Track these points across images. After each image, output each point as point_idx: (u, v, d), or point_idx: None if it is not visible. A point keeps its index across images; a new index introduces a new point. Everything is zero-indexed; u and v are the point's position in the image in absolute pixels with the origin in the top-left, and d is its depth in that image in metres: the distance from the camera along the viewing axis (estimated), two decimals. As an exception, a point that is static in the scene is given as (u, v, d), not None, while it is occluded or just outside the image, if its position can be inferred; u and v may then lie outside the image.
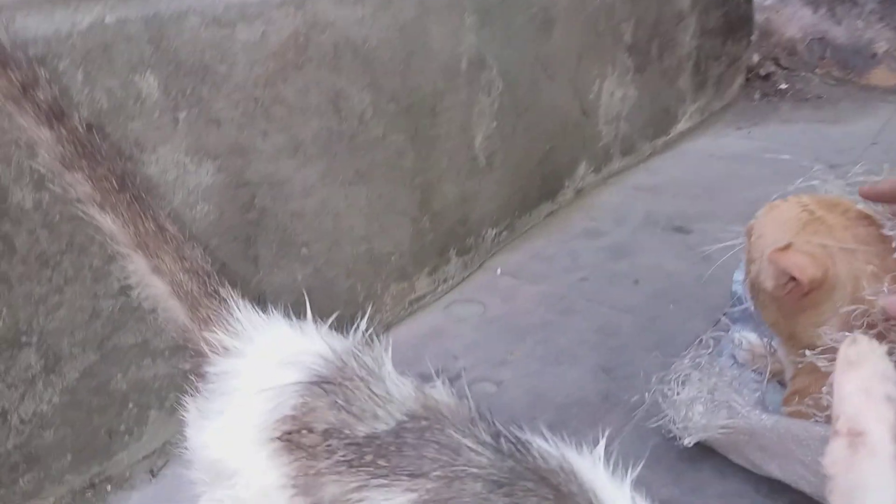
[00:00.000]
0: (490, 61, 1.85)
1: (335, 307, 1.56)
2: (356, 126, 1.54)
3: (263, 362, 0.83)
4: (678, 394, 1.33)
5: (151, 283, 0.93)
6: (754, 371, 1.44)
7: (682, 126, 2.82)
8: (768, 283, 1.21)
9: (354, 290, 1.61)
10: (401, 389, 0.78)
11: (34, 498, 1.19)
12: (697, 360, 1.41)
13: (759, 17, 3.59)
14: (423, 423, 0.73)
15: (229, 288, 0.95)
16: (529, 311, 1.80)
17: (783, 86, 3.35)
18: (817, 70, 3.56)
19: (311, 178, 1.46)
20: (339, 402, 0.75)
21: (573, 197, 2.35)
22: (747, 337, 1.54)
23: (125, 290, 1.24)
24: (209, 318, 0.89)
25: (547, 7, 1.99)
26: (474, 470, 0.67)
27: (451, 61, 1.74)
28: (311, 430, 0.74)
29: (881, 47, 3.42)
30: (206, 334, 0.88)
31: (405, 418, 0.74)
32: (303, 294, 1.50)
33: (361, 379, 0.77)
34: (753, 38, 3.49)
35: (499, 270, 1.99)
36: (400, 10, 1.59)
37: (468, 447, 0.69)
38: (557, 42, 2.07)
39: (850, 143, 2.81)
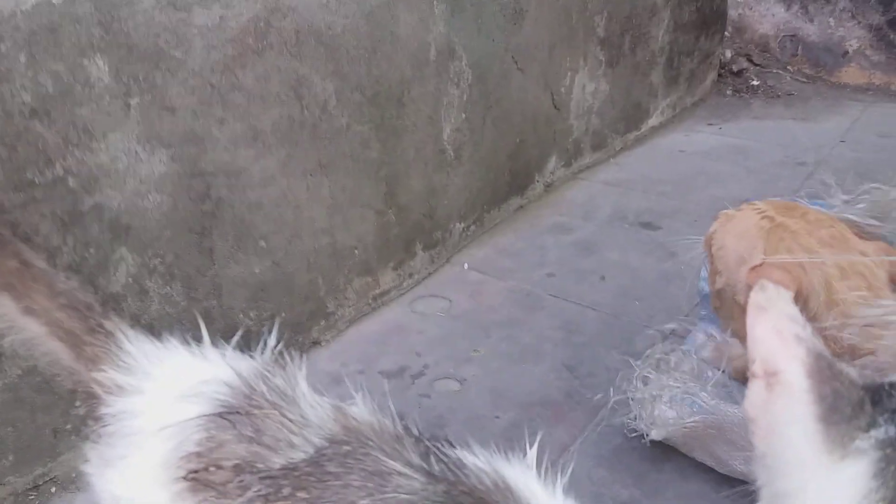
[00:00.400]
0: (460, 51, 1.81)
1: (295, 303, 1.53)
2: (319, 115, 1.49)
3: (163, 397, 0.75)
4: (644, 387, 1.31)
5: (24, 325, 0.80)
6: (719, 369, 1.43)
7: (653, 121, 2.81)
8: (742, 298, 1.20)
9: (315, 285, 1.56)
10: (318, 412, 0.70)
11: (-29, 499, 1.14)
12: (662, 356, 1.40)
13: (732, 13, 3.59)
14: (345, 447, 0.66)
15: (115, 319, 0.83)
16: (495, 307, 1.77)
17: (755, 82, 3.36)
18: (789, 67, 3.57)
19: (270, 168, 1.42)
20: (249, 432, 0.68)
21: (543, 191, 2.33)
22: (713, 334, 1.53)
23: None
24: (96, 356, 0.79)
25: (518, -3, 1.96)
26: (405, 496, 0.61)
27: (420, 50, 1.70)
28: (219, 467, 0.68)
29: (852, 45, 3.44)
30: (96, 374, 0.78)
31: (325, 444, 0.67)
32: (261, 289, 1.47)
33: (272, 404, 0.70)
34: (727, 33, 3.49)
35: (466, 265, 1.96)
36: (366, -3, 1.54)
37: (397, 472, 0.63)
38: (529, 33, 2.03)
39: (819, 140, 2.83)
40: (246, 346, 1.46)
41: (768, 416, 0.58)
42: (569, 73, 2.27)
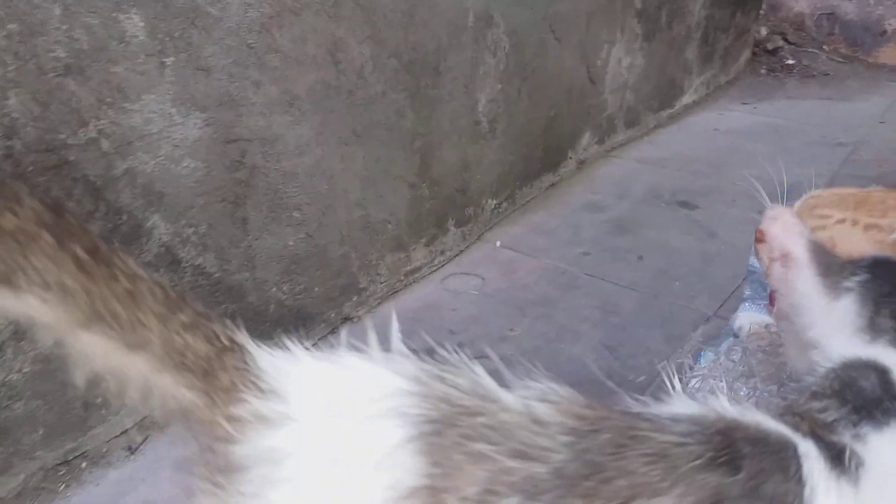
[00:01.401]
0: (497, 18, 1.74)
1: (327, 277, 1.49)
2: (355, 81, 1.43)
3: (331, 423, 0.59)
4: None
5: (123, 364, 0.59)
6: (759, 349, 1.39)
7: (687, 99, 2.74)
8: None
9: (348, 259, 1.52)
10: (533, 407, 0.59)
11: (2, 475, 1.11)
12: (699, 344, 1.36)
13: (767, -10, 3.50)
14: (602, 435, 0.57)
15: (240, 330, 0.64)
16: (529, 285, 1.72)
17: (790, 61, 3.27)
18: (825, 46, 3.48)
19: (305, 136, 1.36)
20: (482, 446, 0.55)
21: (575, 169, 2.27)
22: (754, 319, 1.48)
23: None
24: (232, 383, 0.60)
25: (558, -36, 1.89)
26: (693, 462, 0.56)
27: (458, 16, 1.63)
28: (464, 498, 0.55)
29: (892, 25, 3.35)
30: (233, 407, 0.60)
31: (572, 438, 0.57)
32: (294, 262, 1.42)
33: (479, 408, 0.58)
34: (762, 10, 3.40)
35: (498, 243, 1.90)
36: (405, -41, 1.48)
37: (672, 441, 0.57)
38: (567, 2, 1.96)
39: (857, 121, 2.75)
40: (280, 322, 1.42)
41: (787, 283, 0.85)
42: (605, 46, 2.20)
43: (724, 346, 1.41)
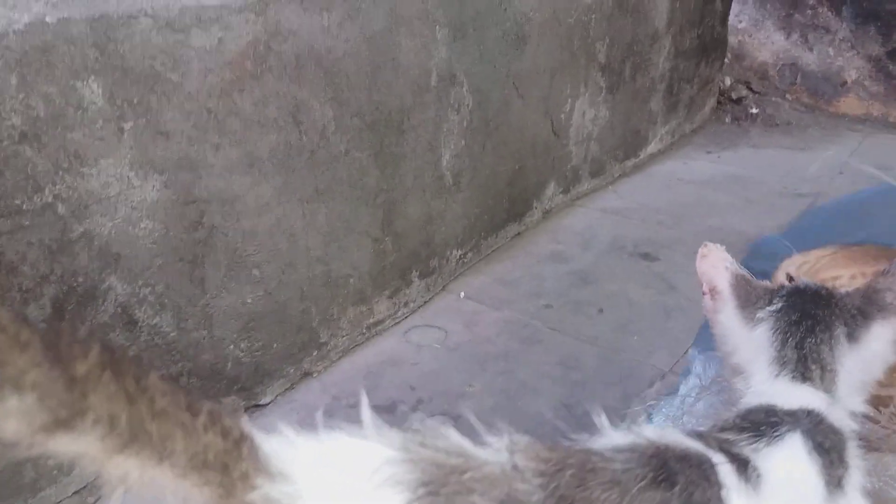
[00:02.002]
0: (461, 77, 1.78)
1: (287, 333, 1.49)
2: (317, 141, 1.46)
3: (337, 498, 0.63)
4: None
5: (150, 476, 0.59)
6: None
7: (652, 148, 2.80)
8: None
9: (309, 314, 1.52)
10: (507, 457, 0.67)
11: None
12: (653, 401, 1.38)
13: (732, 40, 3.60)
14: (566, 473, 0.66)
15: (242, 415, 0.68)
16: (491, 338, 1.74)
17: (754, 110, 3.36)
18: (788, 95, 3.57)
19: (265, 195, 1.38)
20: (475, 497, 0.63)
21: (540, 218, 2.30)
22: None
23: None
24: (247, 472, 0.63)
25: (521, 23, 1.93)
26: (640, 483, 0.66)
27: (421, 76, 1.67)
28: None
29: (851, 76, 3.45)
30: (251, 495, 0.62)
31: (543, 479, 0.65)
32: (252, 320, 1.42)
33: (465, 466, 0.65)
34: (727, 60, 3.49)
35: (462, 294, 1.92)
36: (369, 20, 1.51)
37: (620, 469, 0.67)
38: (531, 59, 2.01)
39: (817, 171, 2.82)
40: (237, 380, 1.43)
41: (715, 313, 0.93)
42: (569, 100, 2.24)
43: (680, 394, 1.45)
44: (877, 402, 1.17)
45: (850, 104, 3.45)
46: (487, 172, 1.99)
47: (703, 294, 0.97)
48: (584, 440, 0.76)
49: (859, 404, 0.85)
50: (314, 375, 1.57)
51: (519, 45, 1.96)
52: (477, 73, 1.83)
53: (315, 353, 1.57)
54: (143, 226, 1.23)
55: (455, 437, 0.68)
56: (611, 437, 0.75)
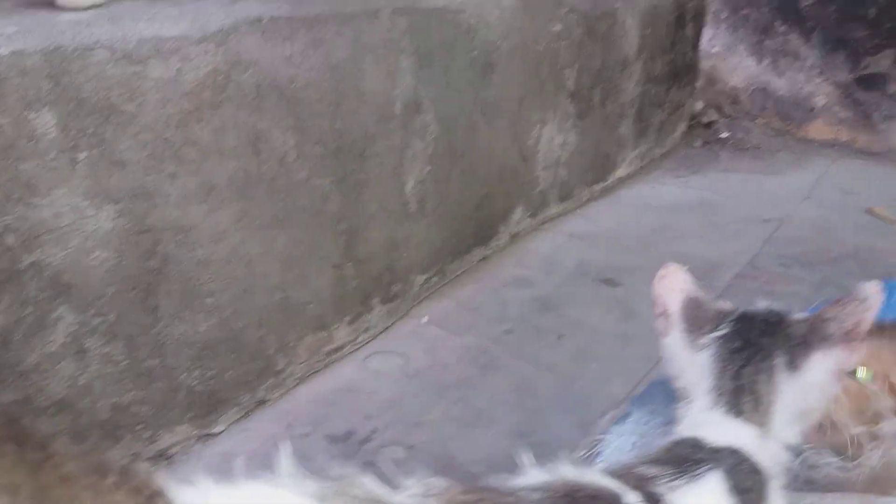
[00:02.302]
0: (426, 105, 1.80)
1: (242, 361, 1.49)
2: (277, 169, 1.46)
3: None
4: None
5: None
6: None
7: (621, 172, 2.83)
8: None
9: (265, 342, 1.53)
10: (422, 501, 0.69)
11: None
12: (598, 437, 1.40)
13: (705, 64, 3.65)
14: None
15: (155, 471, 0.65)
16: (451, 365, 1.75)
17: (724, 134, 3.40)
18: (759, 120, 3.62)
19: (222, 224, 1.39)
20: None
21: (507, 242, 2.32)
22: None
23: None
24: None
25: (488, 51, 1.95)
26: None
27: (385, 104, 1.68)
28: None
29: (820, 101, 3.51)
30: None
31: None
32: (206, 348, 1.42)
33: None
34: (699, 84, 3.54)
35: (425, 319, 1.93)
36: (333, 49, 1.52)
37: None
38: (498, 87, 2.03)
39: (784, 195, 2.86)
40: (190, 408, 1.42)
41: (663, 336, 0.93)
42: (537, 126, 2.27)
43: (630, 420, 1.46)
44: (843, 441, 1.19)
45: (818, 129, 3.51)
46: (453, 198, 2.00)
47: (657, 316, 0.97)
48: (503, 480, 0.77)
49: (795, 436, 0.86)
50: (269, 403, 1.57)
51: (486, 73, 1.98)
52: (443, 101, 1.85)
53: (271, 381, 1.57)
54: (95, 255, 1.23)
55: (370, 485, 0.69)
56: (528, 477, 0.77)
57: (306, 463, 0.71)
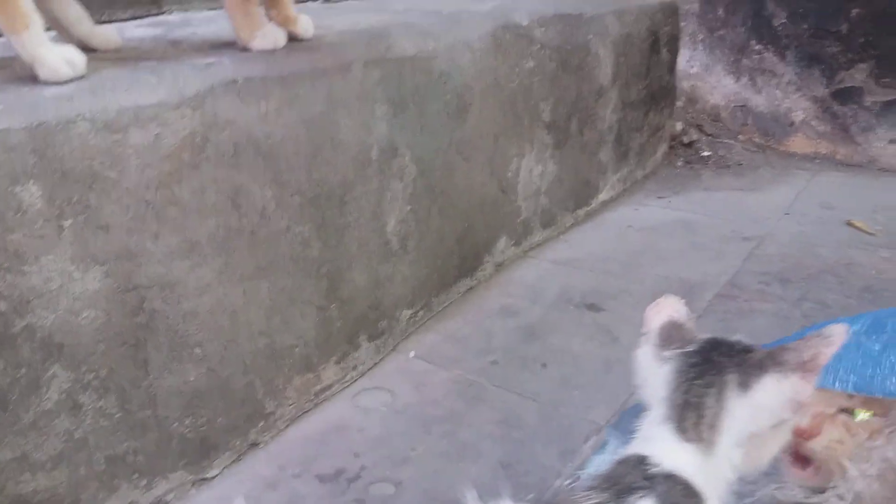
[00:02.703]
0: (403, 149, 1.87)
1: (231, 407, 1.55)
2: (257, 221, 1.53)
3: None
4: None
5: None
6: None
7: (604, 196, 2.89)
8: None
9: (253, 387, 1.58)
10: None
11: None
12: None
13: (685, 84, 3.72)
14: None
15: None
16: (438, 399, 1.80)
17: (706, 153, 3.47)
18: (740, 136, 3.69)
19: (206, 277, 1.45)
20: None
21: (493, 272, 2.38)
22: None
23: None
24: None
25: (461, 93, 2.03)
26: None
27: (362, 151, 1.75)
28: None
29: (798, 116, 3.57)
30: None
31: None
32: (196, 396, 1.48)
33: None
34: (680, 104, 3.61)
35: (412, 353, 1.99)
36: (306, 105, 1.60)
37: None
38: (473, 126, 2.10)
39: (765, 212, 2.92)
40: (183, 455, 1.48)
41: (639, 347, 0.97)
42: (515, 159, 2.34)
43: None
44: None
45: (799, 143, 3.57)
46: (435, 234, 2.07)
47: (642, 334, 1.00)
48: None
49: (739, 456, 0.87)
50: (261, 446, 1.62)
51: (461, 114, 2.05)
52: (419, 144, 1.92)
53: (261, 424, 1.62)
54: (84, 315, 1.29)
55: None
56: None
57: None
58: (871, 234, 2.71)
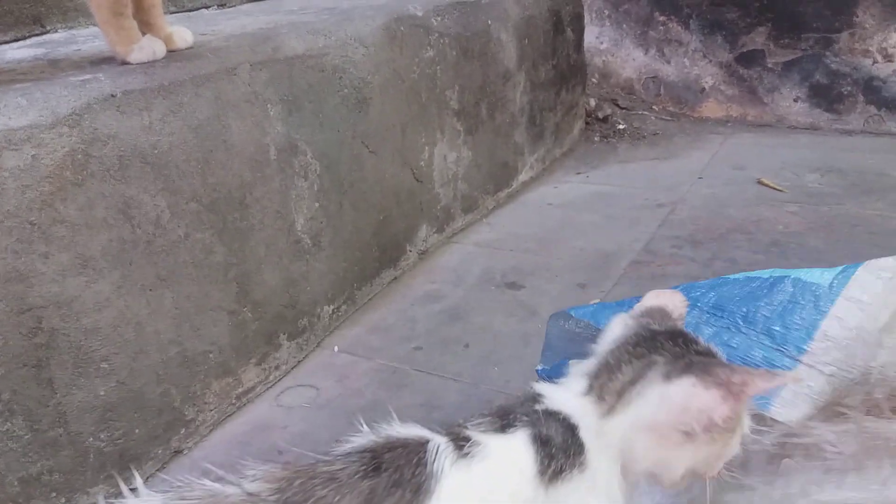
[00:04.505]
0: (303, 146, 1.89)
1: (148, 417, 1.55)
2: (152, 231, 1.53)
3: None
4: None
5: None
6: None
7: (523, 176, 2.94)
8: None
9: (168, 396, 1.59)
10: (245, 486, 0.81)
11: None
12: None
13: (597, 61, 3.81)
14: (294, 483, 0.80)
15: None
16: (361, 390, 1.83)
17: (621, 126, 3.55)
18: (654, 107, 3.79)
19: (104, 292, 1.45)
20: None
21: (417, 260, 2.41)
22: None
23: None
24: None
25: (359, 87, 2.05)
26: (353, 476, 0.80)
27: (258, 152, 1.76)
28: None
29: (708, 82, 3.69)
30: None
31: (277, 495, 0.79)
32: (109, 410, 1.48)
33: (211, 502, 0.80)
34: (594, 80, 3.69)
35: (336, 348, 2.01)
36: (192, 112, 1.60)
37: (339, 468, 0.82)
38: (376, 118, 2.13)
39: (679, 178, 3.01)
40: (103, 469, 1.48)
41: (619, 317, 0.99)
42: (426, 148, 2.37)
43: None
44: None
45: (711, 108, 3.68)
46: (349, 228, 2.09)
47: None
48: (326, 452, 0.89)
49: (641, 446, 0.86)
50: (185, 452, 1.63)
51: (361, 108, 2.07)
52: (320, 141, 1.94)
53: (183, 431, 1.63)
54: (-23, 342, 1.29)
55: (208, 484, 0.83)
56: (351, 443, 0.88)
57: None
58: (780, 190, 2.81)
